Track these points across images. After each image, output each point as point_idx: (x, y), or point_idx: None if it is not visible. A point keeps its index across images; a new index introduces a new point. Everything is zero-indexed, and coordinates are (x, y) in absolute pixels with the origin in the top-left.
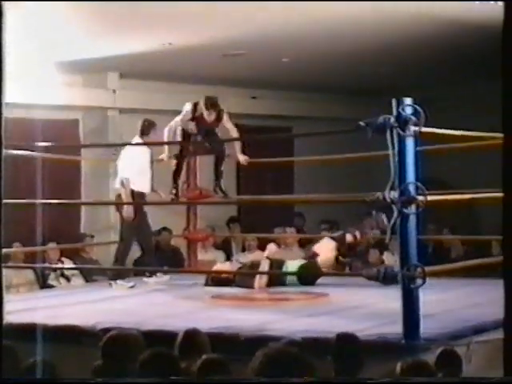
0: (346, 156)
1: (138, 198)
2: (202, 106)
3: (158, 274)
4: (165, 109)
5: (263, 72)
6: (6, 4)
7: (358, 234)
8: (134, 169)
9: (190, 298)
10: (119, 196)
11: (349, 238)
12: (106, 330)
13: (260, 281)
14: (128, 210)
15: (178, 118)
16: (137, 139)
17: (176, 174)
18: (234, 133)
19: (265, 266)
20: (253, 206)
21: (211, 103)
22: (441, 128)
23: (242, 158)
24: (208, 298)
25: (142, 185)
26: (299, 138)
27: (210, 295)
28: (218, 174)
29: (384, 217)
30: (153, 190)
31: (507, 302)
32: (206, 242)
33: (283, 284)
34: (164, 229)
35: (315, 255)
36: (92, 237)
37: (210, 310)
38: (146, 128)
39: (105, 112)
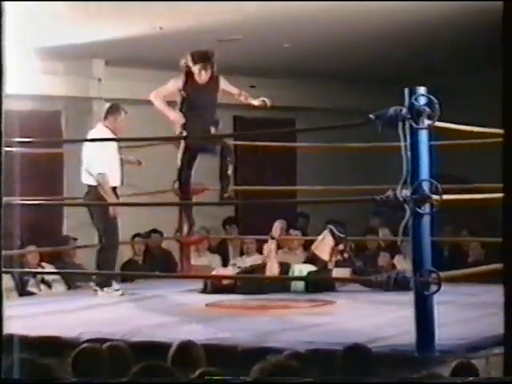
0: (353, 146)
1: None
2: (189, 62)
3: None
4: None
5: (262, 59)
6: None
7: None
8: (105, 161)
9: (184, 307)
10: (88, 193)
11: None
12: (92, 342)
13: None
14: (115, 208)
15: (162, 89)
16: (100, 126)
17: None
18: (236, 90)
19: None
20: (252, 205)
21: (201, 56)
22: (453, 120)
23: (257, 102)
24: (203, 306)
25: (113, 178)
26: (302, 133)
27: (204, 303)
28: (224, 177)
29: (387, 231)
30: (122, 182)
31: (507, 301)
32: (201, 244)
33: (286, 290)
34: (154, 231)
35: (315, 257)
36: (75, 239)
37: (204, 319)
38: (109, 112)
39: (89, 102)
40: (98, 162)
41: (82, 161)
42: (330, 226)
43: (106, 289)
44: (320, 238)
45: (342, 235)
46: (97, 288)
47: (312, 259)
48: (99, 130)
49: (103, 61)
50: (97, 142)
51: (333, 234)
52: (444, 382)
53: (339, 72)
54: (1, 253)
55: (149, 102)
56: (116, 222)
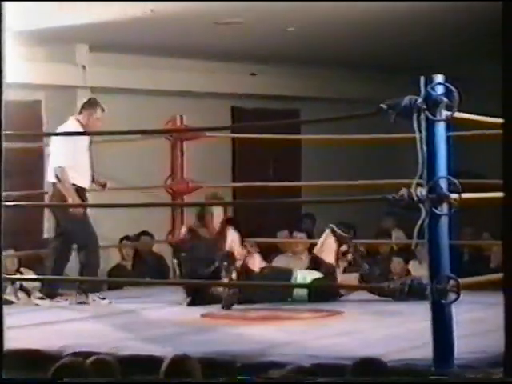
0: (363, 138)
1: (78, 194)
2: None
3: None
4: (146, 88)
5: (264, 44)
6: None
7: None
8: (68, 156)
9: (177, 317)
10: (53, 194)
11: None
12: (75, 356)
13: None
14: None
15: None
16: (71, 120)
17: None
18: None
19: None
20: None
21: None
22: (470, 111)
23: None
24: (197, 316)
25: (81, 177)
26: (307, 124)
27: (199, 313)
28: None
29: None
30: (93, 181)
31: (507, 301)
32: None
33: (289, 298)
34: (144, 233)
35: (319, 262)
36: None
37: (200, 331)
38: (84, 106)
39: (73, 91)
40: (60, 157)
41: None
42: (331, 225)
43: (91, 295)
44: (321, 239)
45: (344, 234)
46: (82, 298)
47: (316, 264)
48: (69, 124)
49: (87, 46)
50: (72, 136)
51: (334, 233)
52: (443, 382)
53: (347, 59)
54: (1, 253)
55: (139, 92)
56: (87, 220)
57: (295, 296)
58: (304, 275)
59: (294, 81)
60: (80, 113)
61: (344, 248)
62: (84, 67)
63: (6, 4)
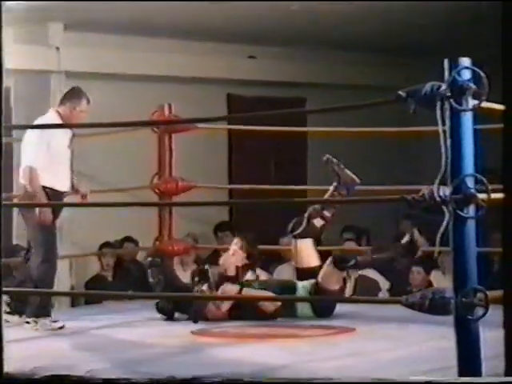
0: (379, 130)
1: (53, 199)
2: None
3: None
4: (129, 73)
5: (264, 23)
6: None
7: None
8: (41, 154)
9: (164, 334)
10: (24, 197)
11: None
12: (48, 379)
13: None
14: (45, 212)
15: None
16: (51, 113)
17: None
18: None
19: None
20: (251, 207)
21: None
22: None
23: None
24: (187, 333)
25: (58, 180)
26: (314, 115)
27: (189, 330)
28: None
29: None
30: (73, 187)
31: (507, 300)
32: (186, 256)
33: (293, 315)
34: (127, 239)
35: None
36: (28, 251)
37: (190, 351)
38: (66, 96)
39: (46, 77)
40: (30, 154)
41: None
42: (334, 254)
43: (42, 320)
44: (324, 267)
45: (345, 263)
46: (30, 320)
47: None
48: (48, 117)
49: (62, 25)
50: (51, 129)
51: (335, 262)
52: (443, 381)
53: (359, 40)
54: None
55: (122, 77)
56: (53, 230)
57: (299, 313)
58: (304, 286)
59: (300, 65)
60: (61, 104)
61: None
62: (58, 49)
63: None
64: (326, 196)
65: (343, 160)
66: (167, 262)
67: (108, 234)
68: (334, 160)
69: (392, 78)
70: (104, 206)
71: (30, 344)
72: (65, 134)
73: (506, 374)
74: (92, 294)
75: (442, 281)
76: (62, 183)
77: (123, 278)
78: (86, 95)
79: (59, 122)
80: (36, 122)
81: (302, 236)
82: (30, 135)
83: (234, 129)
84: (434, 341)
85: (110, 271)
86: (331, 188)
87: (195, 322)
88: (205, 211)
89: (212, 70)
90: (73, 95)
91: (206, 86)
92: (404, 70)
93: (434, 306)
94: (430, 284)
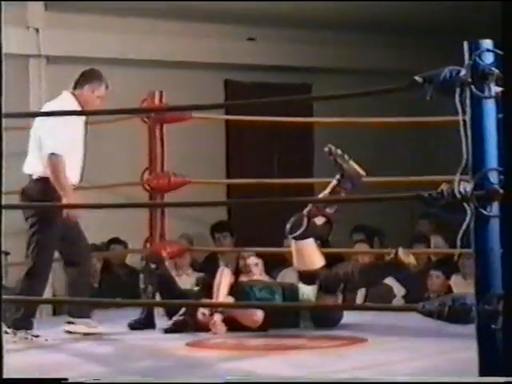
0: (393, 121)
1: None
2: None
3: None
4: (116, 57)
5: (264, 2)
6: None
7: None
8: (64, 141)
9: (156, 346)
10: (29, 190)
11: None
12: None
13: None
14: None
15: None
16: (66, 94)
17: None
18: None
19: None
20: (251, 205)
21: None
22: None
23: None
24: (182, 345)
25: (72, 171)
26: (321, 102)
27: (184, 341)
28: None
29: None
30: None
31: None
32: (180, 259)
33: (295, 326)
34: (114, 240)
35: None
36: (7, 254)
37: (185, 365)
38: (86, 77)
39: (24, 61)
40: (53, 141)
41: (30, 142)
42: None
43: (21, 332)
44: None
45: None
46: (8, 330)
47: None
48: (65, 100)
49: (42, 4)
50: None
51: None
52: (443, 381)
53: (369, 21)
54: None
55: (109, 61)
56: (81, 227)
57: (303, 323)
58: (309, 291)
59: (304, 48)
60: (79, 86)
61: None
62: (38, 31)
63: None
64: (327, 191)
65: (351, 150)
66: (164, 266)
67: (93, 234)
68: (338, 151)
69: (407, 62)
70: (91, 208)
71: (13, 356)
72: (80, 120)
73: (506, 374)
74: (76, 301)
75: (462, 286)
76: (74, 175)
77: (111, 283)
78: (105, 80)
79: (76, 106)
80: (50, 106)
81: (303, 237)
82: (46, 120)
83: (232, 119)
84: (453, 352)
85: (96, 276)
86: (333, 182)
87: (166, 331)
88: (200, 210)
89: (207, 54)
90: (93, 77)
91: (201, 72)
92: (419, 54)
93: (453, 314)
94: (449, 290)
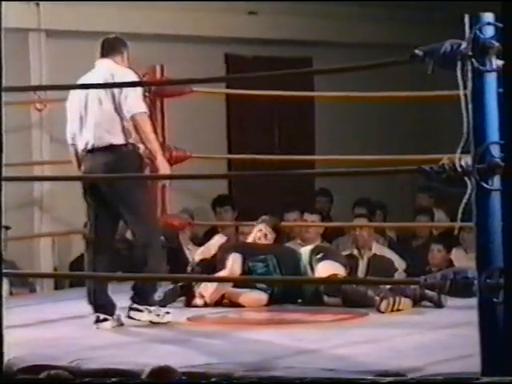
0: (395, 95)
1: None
2: None
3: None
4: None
5: None
6: None
7: None
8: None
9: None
10: (110, 163)
11: None
12: (29, 371)
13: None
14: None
15: None
16: (100, 62)
17: None
18: None
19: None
20: (252, 179)
21: None
22: None
23: None
24: (183, 319)
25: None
26: (322, 76)
27: (185, 316)
28: None
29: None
30: None
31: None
32: (182, 234)
33: (300, 297)
34: None
35: None
36: (7, 228)
37: (185, 339)
38: (120, 44)
39: (23, 35)
40: (135, 100)
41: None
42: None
43: (154, 309)
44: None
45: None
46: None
47: None
48: (124, 70)
49: None
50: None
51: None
52: (443, 381)
53: None
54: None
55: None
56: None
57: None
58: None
59: (305, 21)
60: (117, 53)
61: None
62: (38, 4)
63: None
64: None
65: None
66: (178, 238)
67: None
68: None
69: (408, 36)
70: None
71: (11, 331)
72: (93, 93)
73: (506, 374)
74: (77, 275)
75: (464, 260)
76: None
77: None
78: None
79: (132, 74)
80: (107, 73)
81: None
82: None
83: (233, 93)
84: (454, 327)
85: None
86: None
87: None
88: (201, 184)
89: (208, 28)
90: (123, 43)
91: (201, 46)
92: (421, 27)
93: (455, 288)
94: (450, 263)
